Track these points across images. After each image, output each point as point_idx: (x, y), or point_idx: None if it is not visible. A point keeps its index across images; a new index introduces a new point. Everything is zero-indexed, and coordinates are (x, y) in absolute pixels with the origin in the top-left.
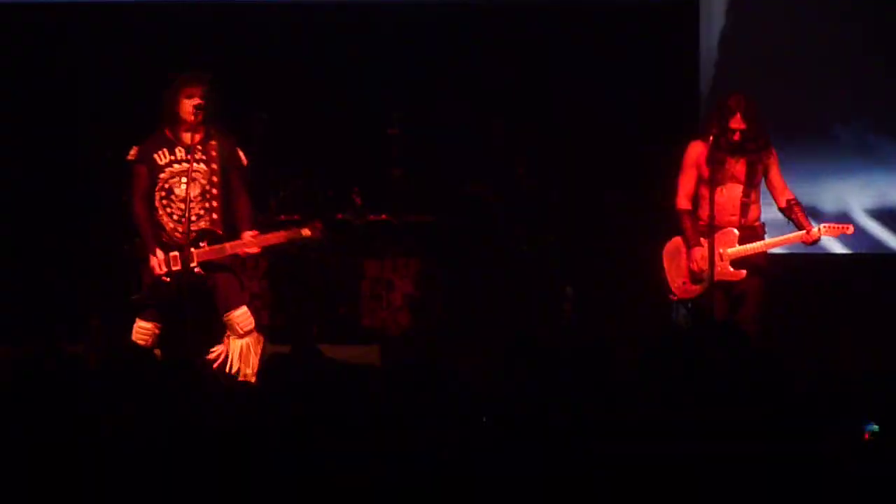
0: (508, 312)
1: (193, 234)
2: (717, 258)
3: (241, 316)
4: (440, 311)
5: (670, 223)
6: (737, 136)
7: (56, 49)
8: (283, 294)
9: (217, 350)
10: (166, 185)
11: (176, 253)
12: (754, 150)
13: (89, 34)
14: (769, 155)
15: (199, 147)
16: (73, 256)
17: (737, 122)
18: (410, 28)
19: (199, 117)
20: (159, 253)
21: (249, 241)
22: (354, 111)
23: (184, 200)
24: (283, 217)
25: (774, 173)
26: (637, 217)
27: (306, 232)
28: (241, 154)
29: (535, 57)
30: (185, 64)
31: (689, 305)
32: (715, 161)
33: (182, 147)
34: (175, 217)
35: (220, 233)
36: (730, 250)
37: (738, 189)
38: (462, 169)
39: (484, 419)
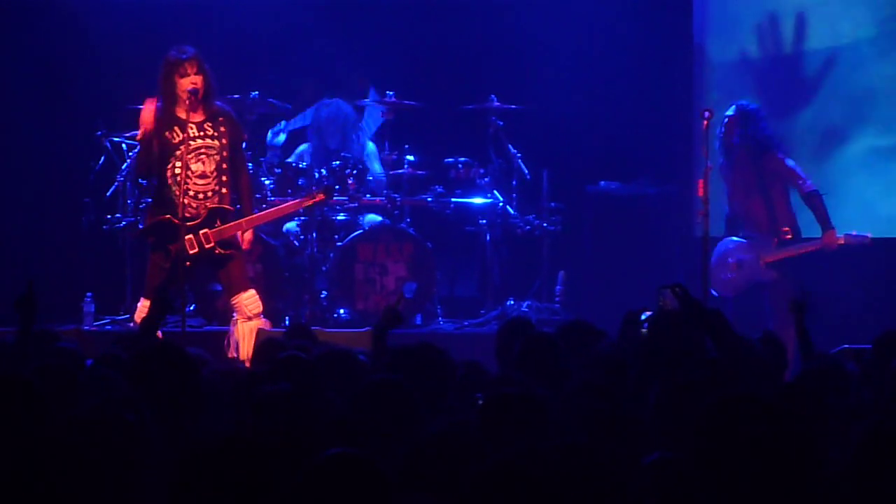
0: (501, 296)
1: (203, 214)
2: (758, 262)
3: (249, 299)
4: (434, 294)
5: (662, 209)
6: (729, 144)
7: (44, 29)
8: (277, 278)
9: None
10: (180, 164)
11: (192, 236)
12: (749, 160)
13: (90, 14)
14: (774, 164)
15: (210, 124)
16: (63, 238)
17: (724, 129)
18: (406, 12)
19: (198, 95)
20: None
21: (267, 213)
22: (347, 96)
23: (201, 176)
24: (277, 201)
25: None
26: (629, 203)
27: (320, 196)
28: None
29: (528, 41)
30: (169, 44)
31: (678, 290)
32: (727, 171)
33: (193, 124)
34: (191, 193)
35: (231, 209)
36: (767, 259)
37: (760, 201)
38: (457, 153)
39: (479, 399)
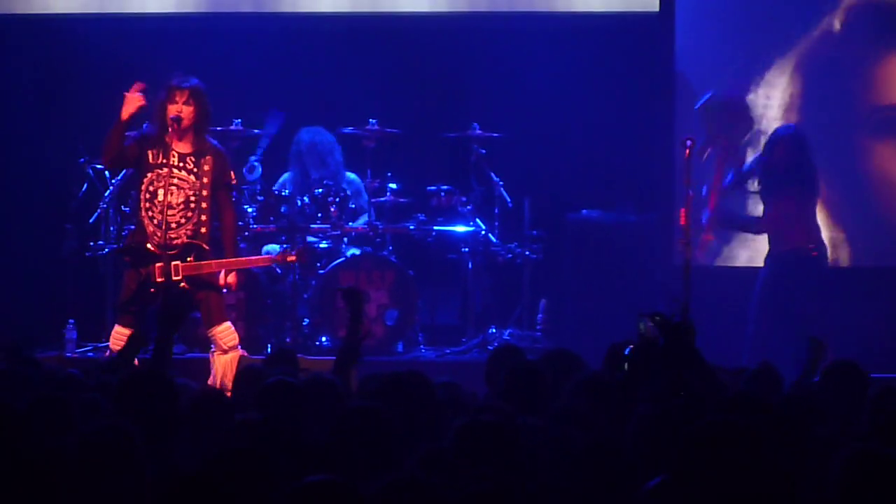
0: (483, 324)
1: (179, 247)
2: None
3: (224, 331)
4: (415, 322)
5: (643, 237)
6: None
7: (26, 55)
8: (259, 305)
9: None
10: (151, 188)
11: (162, 265)
12: None
13: (74, 42)
14: None
15: (192, 158)
16: (45, 265)
17: None
18: (389, 41)
19: (181, 125)
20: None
21: (237, 260)
22: (331, 123)
23: (168, 206)
24: (259, 228)
25: None
26: (610, 231)
27: (291, 258)
28: (232, 173)
29: (510, 69)
30: (154, 71)
31: (658, 319)
32: None
33: (177, 153)
34: (156, 221)
35: (207, 248)
36: None
37: None
38: (439, 181)
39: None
